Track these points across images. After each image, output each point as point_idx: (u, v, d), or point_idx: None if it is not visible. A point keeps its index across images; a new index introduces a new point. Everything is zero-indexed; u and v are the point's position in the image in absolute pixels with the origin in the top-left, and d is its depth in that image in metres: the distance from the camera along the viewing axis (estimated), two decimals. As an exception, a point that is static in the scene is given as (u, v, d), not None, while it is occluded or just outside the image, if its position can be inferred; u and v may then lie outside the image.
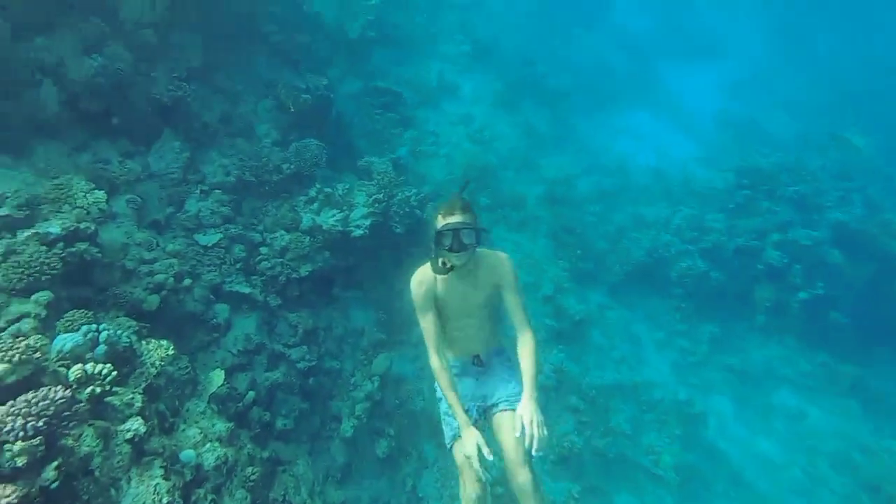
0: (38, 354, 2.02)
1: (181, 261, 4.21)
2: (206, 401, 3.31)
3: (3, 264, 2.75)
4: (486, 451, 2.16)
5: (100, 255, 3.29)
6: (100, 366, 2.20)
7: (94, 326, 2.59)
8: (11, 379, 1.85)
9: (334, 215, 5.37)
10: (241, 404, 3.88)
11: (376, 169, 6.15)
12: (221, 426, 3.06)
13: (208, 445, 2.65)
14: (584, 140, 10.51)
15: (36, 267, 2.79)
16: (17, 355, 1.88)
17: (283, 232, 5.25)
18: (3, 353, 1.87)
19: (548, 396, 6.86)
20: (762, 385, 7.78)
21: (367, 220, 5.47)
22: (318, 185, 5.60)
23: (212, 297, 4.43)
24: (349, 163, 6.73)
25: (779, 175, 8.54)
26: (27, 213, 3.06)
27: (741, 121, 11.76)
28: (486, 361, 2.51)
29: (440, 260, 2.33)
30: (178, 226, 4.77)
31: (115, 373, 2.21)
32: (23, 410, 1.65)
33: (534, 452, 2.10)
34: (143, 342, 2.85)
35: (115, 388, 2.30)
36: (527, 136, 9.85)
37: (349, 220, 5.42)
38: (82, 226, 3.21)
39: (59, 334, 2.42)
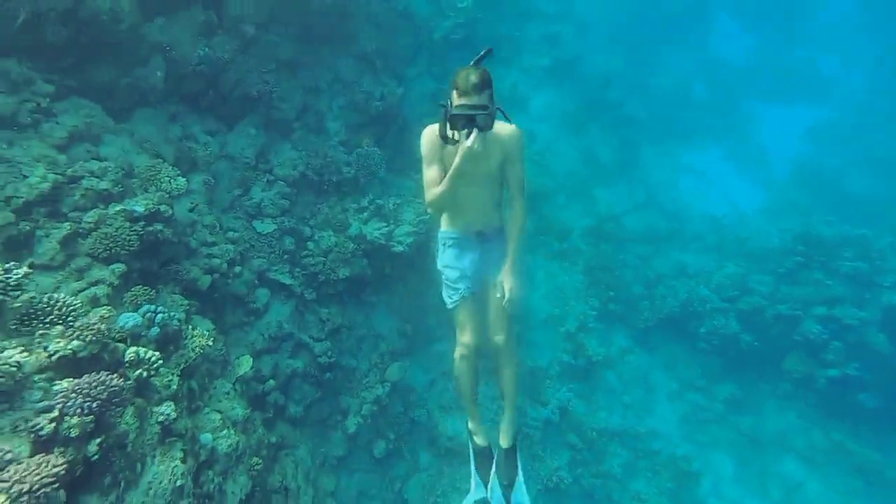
0: (105, 330, 2.38)
1: (237, 245, 4.63)
2: (232, 382, 3.67)
3: (94, 233, 3.20)
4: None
5: (172, 235, 3.70)
6: (150, 352, 2.55)
7: (152, 307, 2.97)
8: (83, 354, 2.20)
9: (380, 228, 5.63)
10: (261, 388, 4.24)
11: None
12: (240, 411, 3.39)
13: (225, 432, 2.98)
14: (645, 173, 10.07)
15: (118, 240, 3.21)
16: (90, 335, 2.23)
17: (330, 232, 5.58)
18: (80, 332, 2.23)
19: (548, 431, 6.90)
20: (768, 451, 7.39)
21: (409, 237, 5.68)
22: (371, 196, 5.87)
23: (256, 281, 4.84)
24: (409, 165, 6.96)
25: (840, 248, 7.81)
26: (121, 189, 3.51)
27: (820, 173, 10.75)
28: (488, 237, 2.59)
29: (451, 134, 2.27)
30: (241, 209, 5.21)
31: (161, 361, 2.54)
32: (83, 390, 1.98)
33: (509, 310, 2.52)
34: (190, 327, 3.21)
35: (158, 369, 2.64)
36: (587, 163, 9.63)
37: (393, 235, 5.65)
38: (162, 208, 3.63)
39: (123, 312, 2.80)
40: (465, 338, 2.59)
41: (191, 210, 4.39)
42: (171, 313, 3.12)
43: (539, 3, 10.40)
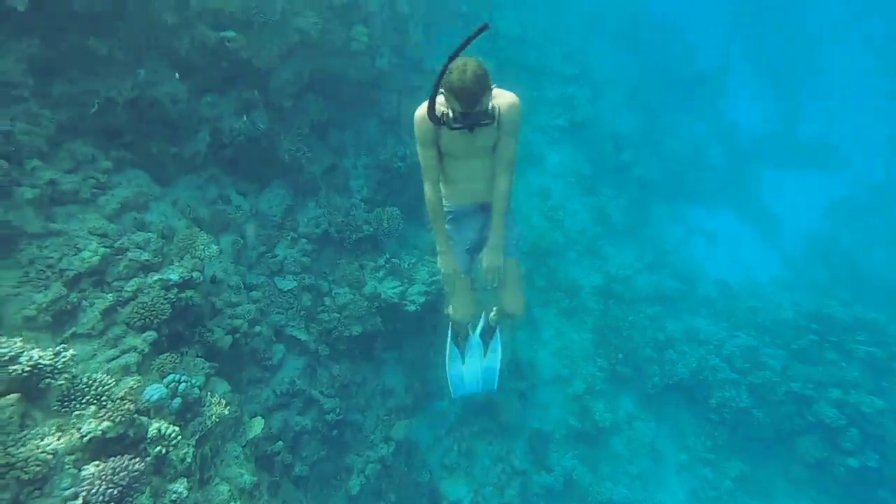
0: (133, 410, 2.61)
1: (258, 303, 4.92)
2: (243, 445, 3.84)
3: (132, 301, 3.52)
4: (458, 273, 2.67)
5: (200, 299, 4.01)
6: (171, 427, 2.76)
7: (176, 377, 3.21)
8: (111, 435, 2.43)
9: (395, 287, 5.86)
10: (270, 448, 4.40)
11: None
12: (248, 477, 3.55)
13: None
14: (657, 233, 10.16)
15: (153, 309, 3.52)
16: (120, 416, 2.47)
17: (347, 289, 5.84)
18: (111, 413, 2.47)
19: (551, 499, 6.73)
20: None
21: (421, 297, 5.89)
22: (387, 255, 6.15)
23: (273, 337, 5.09)
24: (426, 220, 7.26)
25: (855, 330, 7.64)
26: (160, 259, 3.86)
27: (835, 249, 10.57)
28: (487, 208, 2.56)
29: (441, 115, 2.17)
30: (265, 266, 5.55)
31: (179, 436, 2.75)
32: (107, 477, 2.19)
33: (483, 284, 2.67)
34: (208, 394, 3.44)
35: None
36: (599, 222, 9.79)
37: (406, 294, 5.88)
38: (194, 275, 3.96)
39: (150, 383, 3.05)
40: (455, 313, 2.87)
41: (220, 264, 4.74)
42: (193, 381, 3.36)
43: (555, 63, 10.93)
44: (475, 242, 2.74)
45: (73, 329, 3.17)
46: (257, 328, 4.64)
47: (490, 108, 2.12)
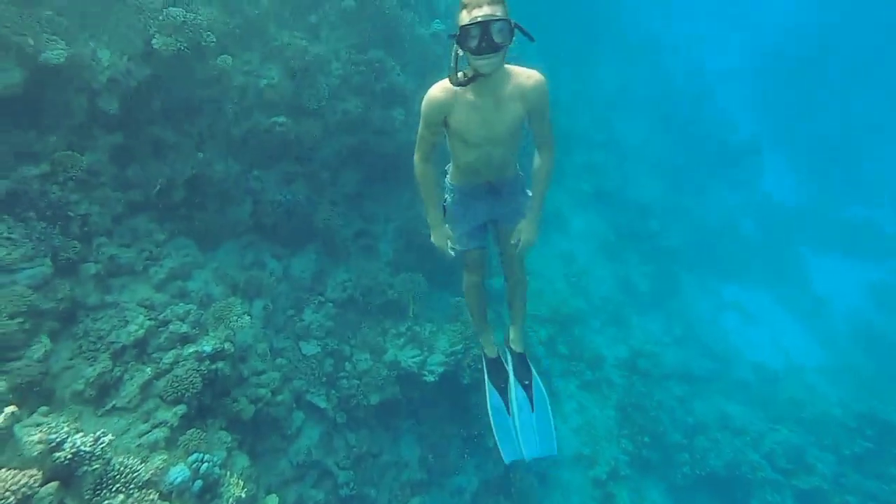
0: (155, 497, 2.73)
1: (282, 370, 5.08)
2: (256, 523, 3.85)
3: (167, 374, 3.74)
4: (452, 247, 2.59)
5: (229, 370, 4.20)
6: (191, 515, 2.85)
7: (199, 456, 3.34)
8: (137, 523, 2.55)
9: (414, 356, 5.93)
10: (280, 524, 4.36)
11: (465, 316, 6.66)
12: (257, 562, 3.54)
13: None
14: (685, 305, 9.85)
15: (185, 383, 3.72)
16: (147, 506, 2.60)
17: (367, 355, 5.94)
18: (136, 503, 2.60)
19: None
20: None
21: (440, 367, 5.91)
22: (409, 323, 6.27)
23: (294, 404, 5.20)
24: (450, 282, 7.37)
25: None
26: (196, 331, 4.12)
27: (884, 339, 9.85)
28: (499, 189, 2.49)
29: (460, 72, 2.01)
30: (292, 330, 5.76)
31: (197, 525, 2.83)
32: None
33: (519, 255, 2.63)
34: (228, 473, 3.53)
35: (194, 527, 2.93)
36: (623, 290, 9.64)
37: (425, 363, 5.92)
38: (226, 346, 4.18)
39: (175, 463, 3.19)
40: (472, 276, 2.84)
41: (251, 329, 4.96)
42: (215, 458, 3.47)
43: (585, 129, 11.29)
44: (485, 218, 2.65)
45: (114, 402, 3.38)
46: (279, 397, 4.76)
47: (508, 21, 1.87)
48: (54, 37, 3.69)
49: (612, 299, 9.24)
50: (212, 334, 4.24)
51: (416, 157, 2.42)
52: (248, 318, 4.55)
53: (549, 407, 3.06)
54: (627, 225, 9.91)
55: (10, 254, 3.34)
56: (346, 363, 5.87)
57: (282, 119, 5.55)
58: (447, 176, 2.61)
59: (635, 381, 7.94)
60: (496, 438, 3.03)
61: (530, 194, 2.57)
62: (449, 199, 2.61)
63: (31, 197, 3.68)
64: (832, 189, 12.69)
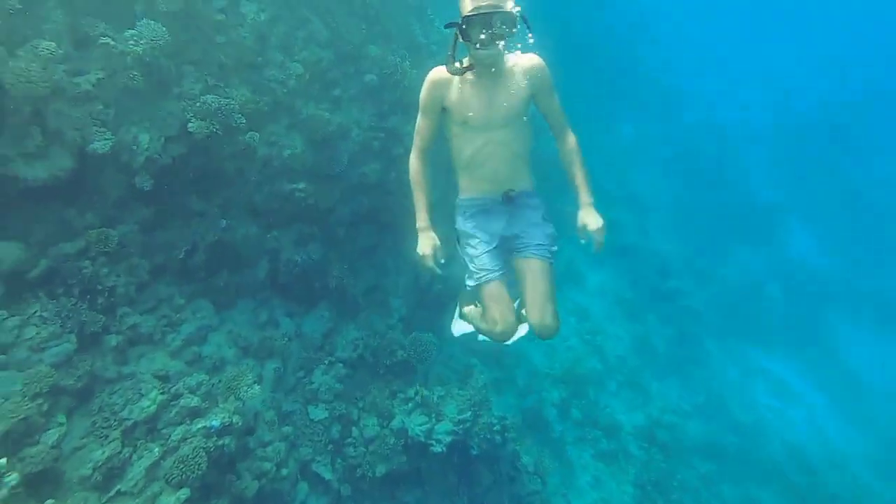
0: None
1: (288, 438, 5.07)
2: None
3: (175, 453, 3.79)
4: (438, 257, 2.27)
5: (235, 446, 4.22)
6: None
7: (200, 547, 3.32)
8: None
9: (422, 424, 5.84)
10: None
11: (474, 379, 6.58)
12: None
13: None
14: (708, 372, 9.46)
15: (191, 464, 3.75)
16: None
17: (375, 420, 5.89)
18: None
19: None
20: None
21: (448, 436, 5.79)
22: (418, 387, 6.22)
23: (298, 475, 5.15)
24: (459, 341, 7.31)
25: None
26: (206, 405, 4.19)
27: None
28: (516, 201, 2.31)
29: (458, 61, 2.01)
30: (300, 392, 5.79)
31: None
32: None
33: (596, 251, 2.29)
34: (226, 563, 3.49)
35: None
36: (641, 352, 9.35)
37: (433, 432, 5.82)
38: (234, 419, 4.22)
39: (176, 556, 3.17)
40: (498, 326, 2.29)
41: (260, 394, 5.00)
42: (214, 546, 3.44)
43: (603, 184, 11.31)
44: (505, 239, 2.39)
45: (119, 486, 3.43)
46: (284, 471, 4.73)
47: (511, 13, 1.85)
48: (103, 128, 3.99)
49: (628, 360, 8.97)
50: (221, 406, 4.29)
51: (412, 154, 2.29)
52: (257, 387, 4.60)
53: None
54: (646, 283, 9.72)
55: (39, 333, 3.51)
56: (354, 428, 5.82)
57: (302, 185, 5.78)
58: (457, 196, 2.42)
59: (655, 455, 7.56)
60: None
61: (552, 229, 2.46)
62: (460, 221, 2.41)
63: (65, 274, 3.89)
64: (861, 255, 12.24)
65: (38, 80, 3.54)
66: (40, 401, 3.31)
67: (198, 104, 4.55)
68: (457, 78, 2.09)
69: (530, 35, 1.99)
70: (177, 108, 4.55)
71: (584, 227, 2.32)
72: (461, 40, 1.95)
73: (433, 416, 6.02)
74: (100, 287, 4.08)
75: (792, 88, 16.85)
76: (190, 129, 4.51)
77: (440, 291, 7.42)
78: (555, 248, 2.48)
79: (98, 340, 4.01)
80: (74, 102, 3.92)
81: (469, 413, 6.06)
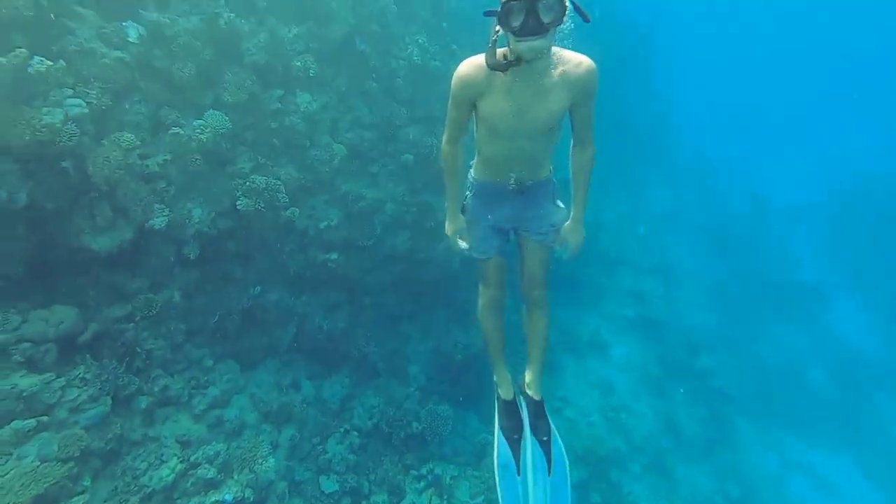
0: None
1: (297, 512, 5.03)
2: None
3: (186, 525, 3.84)
4: (463, 244, 2.35)
5: (243, 520, 4.23)
6: None
7: None
8: None
9: (431, 507, 5.66)
10: None
11: (490, 458, 6.36)
12: None
13: None
14: (742, 459, 8.70)
15: (200, 538, 3.78)
16: None
17: (385, 496, 5.75)
18: None
19: None
20: None
21: (457, 524, 5.56)
22: (431, 465, 6.08)
23: (303, 552, 5.05)
24: (480, 408, 7.13)
25: None
26: (222, 476, 4.26)
27: None
28: (527, 190, 2.19)
29: (499, 51, 1.76)
30: (314, 461, 5.77)
31: None
32: None
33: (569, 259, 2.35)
34: None
35: None
36: (668, 433, 8.77)
37: (442, 517, 5.61)
38: (247, 493, 4.26)
39: None
40: (490, 290, 2.50)
41: (274, 460, 5.03)
42: None
43: (631, 253, 11.17)
44: (511, 220, 2.34)
45: (130, 560, 3.49)
46: (289, 550, 4.66)
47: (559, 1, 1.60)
48: (162, 205, 4.43)
49: (654, 441, 8.43)
50: (236, 478, 4.36)
51: (443, 139, 2.16)
52: (272, 460, 4.65)
53: (569, 472, 2.63)
54: (674, 359, 9.29)
55: (80, 395, 3.76)
56: (364, 503, 5.70)
57: (335, 256, 6.08)
58: (470, 170, 2.32)
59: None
60: (500, 500, 2.56)
61: (561, 205, 2.36)
62: (469, 196, 2.35)
63: (110, 336, 4.19)
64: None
65: (116, 166, 4.02)
66: (71, 464, 3.48)
67: (247, 183, 4.99)
68: (492, 80, 1.84)
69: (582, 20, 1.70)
70: (229, 185, 5.00)
71: (567, 239, 2.33)
72: (500, 30, 1.70)
73: (444, 498, 5.83)
74: (139, 350, 4.36)
75: (839, 160, 16.50)
76: (238, 206, 4.92)
77: (462, 361, 7.39)
78: (556, 237, 2.41)
79: (130, 402, 4.23)
80: (142, 181, 4.40)
81: (482, 498, 5.83)
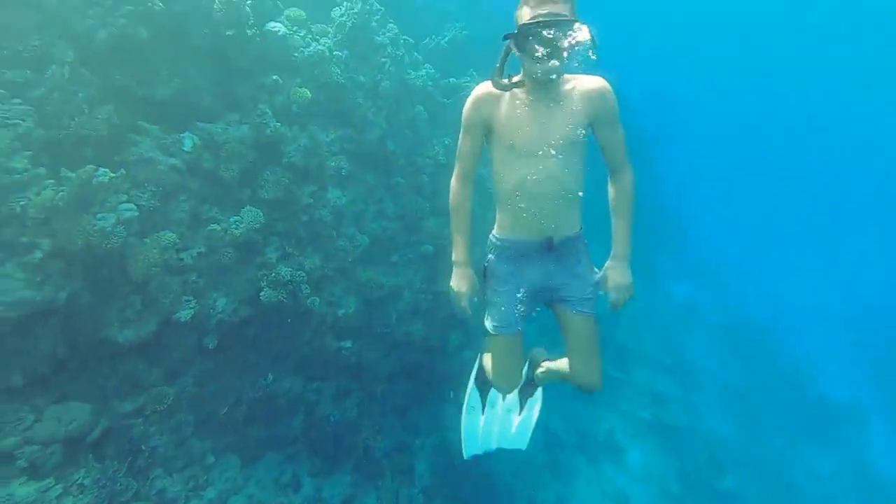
0: None
1: None
2: None
3: None
4: (472, 296, 2.07)
5: None
6: None
7: None
8: None
9: None
10: None
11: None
12: None
13: None
14: None
15: None
16: None
17: None
18: None
19: None
20: None
21: None
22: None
23: None
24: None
25: None
26: None
27: None
28: (558, 247, 1.98)
29: (509, 76, 1.78)
30: (305, 573, 5.33)
31: None
32: None
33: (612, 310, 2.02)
34: None
35: None
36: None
37: None
38: None
39: None
40: (499, 380, 2.20)
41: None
42: None
43: (648, 348, 10.83)
44: (542, 290, 2.07)
45: None
46: None
47: (577, 22, 1.63)
48: (190, 297, 4.55)
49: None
50: None
51: (453, 178, 2.05)
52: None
53: (538, 412, 2.67)
54: (696, 475, 8.57)
55: (76, 503, 3.62)
56: None
57: (349, 344, 6.06)
58: (491, 232, 2.14)
59: None
60: (462, 430, 2.71)
61: (598, 271, 2.11)
62: (491, 259, 2.12)
63: (118, 433, 4.12)
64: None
65: (153, 263, 4.21)
66: (53, 585, 3.27)
67: (273, 274, 5.14)
68: (506, 96, 1.86)
69: (592, 53, 1.70)
70: (255, 275, 5.16)
71: (610, 281, 2.04)
72: (516, 53, 1.76)
73: None
74: (143, 448, 4.25)
75: (873, 266, 15.99)
76: (261, 297, 5.03)
77: (468, 462, 6.99)
78: (597, 297, 2.17)
79: (126, 506, 4.04)
80: (175, 273, 4.57)
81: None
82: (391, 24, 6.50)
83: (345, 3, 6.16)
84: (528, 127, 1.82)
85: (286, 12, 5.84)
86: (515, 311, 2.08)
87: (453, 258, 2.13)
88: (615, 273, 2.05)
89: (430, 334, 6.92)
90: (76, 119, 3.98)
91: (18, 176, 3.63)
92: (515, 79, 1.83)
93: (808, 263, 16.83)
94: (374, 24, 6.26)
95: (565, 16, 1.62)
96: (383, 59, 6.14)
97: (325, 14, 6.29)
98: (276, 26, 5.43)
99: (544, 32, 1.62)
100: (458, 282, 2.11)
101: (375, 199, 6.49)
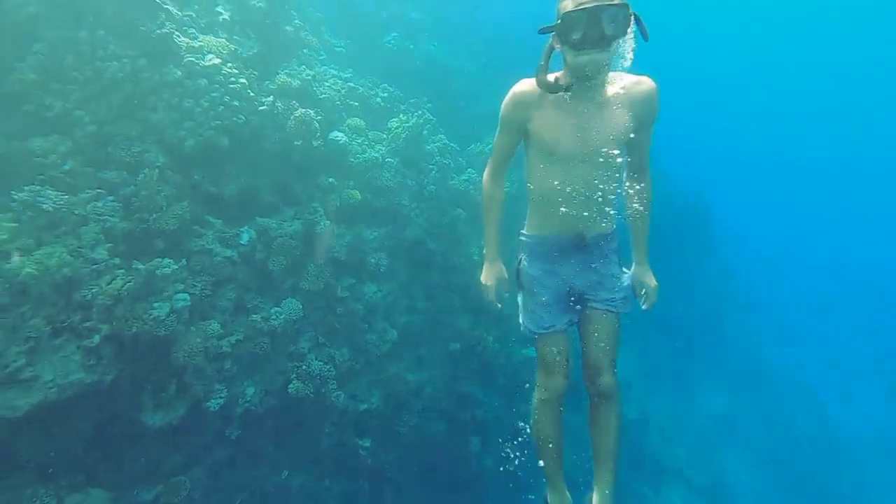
0: None
1: None
2: None
3: None
4: (502, 290, 2.12)
5: None
6: None
7: None
8: None
9: None
10: None
11: None
12: None
13: None
14: None
15: None
16: None
17: None
18: None
19: None
20: None
21: None
22: None
23: None
24: None
25: None
26: None
27: None
28: (589, 245, 1.92)
29: (552, 75, 1.69)
30: None
31: None
32: None
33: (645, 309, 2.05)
34: None
35: None
36: None
37: None
38: None
39: None
40: (553, 380, 2.00)
41: None
42: None
43: (681, 464, 9.97)
44: (575, 288, 2.00)
45: None
46: None
47: (624, 7, 1.53)
48: (222, 385, 4.66)
49: None
50: None
51: (485, 172, 2.08)
52: None
53: None
54: None
55: None
56: None
57: (367, 443, 5.91)
58: (523, 230, 2.08)
59: None
60: None
61: (626, 272, 2.11)
62: (524, 259, 2.06)
63: (127, 528, 4.05)
64: None
65: (195, 351, 4.40)
66: None
67: (303, 366, 5.23)
68: (547, 97, 1.74)
69: (630, 53, 1.66)
70: (285, 366, 5.26)
71: (643, 284, 2.09)
72: (557, 47, 1.66)
73: None
74: (152, 542, 4.14)
75: None
76: (289, 390, 5.09)
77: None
78: (627, 303, 2.09)
79: None
80: (211, 360, 4.73)
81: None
82: (441, 135, 7.11)
83: (402, 115, 6.85)
84: (570, 134, 1.74)
85: (348, 121, 6.54)
86: (556, 310, 2.02)
87: (484, 252, 2.20)
88: (648, 277, 2.11)
89: (449, 438, 6.68)
90: (154, 215, 4.44)
91: (96, 266, 4.01)
92: (560, 79, 1.73)
93: (864, 371, 15.19)
94: (425, 132, 6.88)
95: (611, 1, 1.54)
96: (430, 167, 6.65)
97: (382, 122, 7.00)
98: (339, 135, 6.06)
99: (591, 20, 1.53)
100: (489, 275, 2.17)
101: (407, 293, 6.67)
